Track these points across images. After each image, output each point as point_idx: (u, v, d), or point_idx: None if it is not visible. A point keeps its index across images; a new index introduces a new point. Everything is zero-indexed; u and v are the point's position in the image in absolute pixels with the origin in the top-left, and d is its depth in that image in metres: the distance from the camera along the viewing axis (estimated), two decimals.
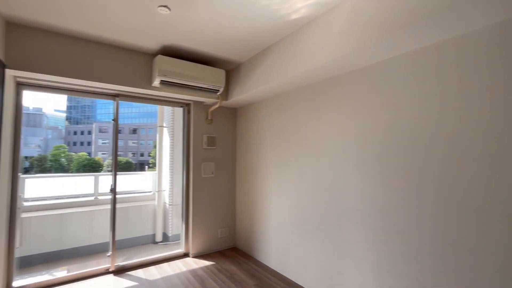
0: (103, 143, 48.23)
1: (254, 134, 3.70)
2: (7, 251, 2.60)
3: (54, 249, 3.95)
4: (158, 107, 5.47)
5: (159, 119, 4.89)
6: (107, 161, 42.52)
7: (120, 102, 3.20)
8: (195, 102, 3.69)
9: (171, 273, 3.12)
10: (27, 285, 2.70)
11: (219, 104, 3.53)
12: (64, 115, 61.28)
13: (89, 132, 50.57)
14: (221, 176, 3.92)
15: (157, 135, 4.96)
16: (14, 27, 2.35)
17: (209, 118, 3.78)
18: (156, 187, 4.95)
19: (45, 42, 2.48)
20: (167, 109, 4.94)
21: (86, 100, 58.77)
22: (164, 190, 4.89)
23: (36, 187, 4.29)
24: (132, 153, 49.41)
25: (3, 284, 2.54)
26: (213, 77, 3.12)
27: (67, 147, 46.08)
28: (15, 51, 2.35)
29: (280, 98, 3.19)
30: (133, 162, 45.81)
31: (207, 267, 3.29)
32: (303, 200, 2.82)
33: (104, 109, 58.97)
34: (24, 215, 3.83)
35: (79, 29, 2.48)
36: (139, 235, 4.69)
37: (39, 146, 46.69)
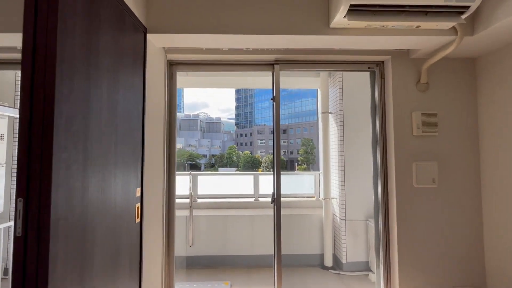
0: (260, 143, 55.55)
1: None
2: (167, 252, 2.14)
3: (218, 253, 3.61)
4: (318, 90, 4.31)
5: (322, 103, 3.68)
6: (264, 158, 48.43)
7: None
8: (396, 55, 2.11)
9: None
10: None
11: (455, 45, 1.76)
12: (233, 121, 76.33)
13: (250, 134, 59.90)
14: (452, 186, 2.10)
15: (320, 125, 3.75)
16: None
17: (423, 81, 2.08)
18: (322, 193, 3.76)
19: None
20: (333, 91, 3.64)
21: (247, 107, 70.19)
22: (333, 198, 3.62)
23: (204, 185, 4.31)
24: (283, 151, 53.63)
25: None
26: None
27: (236, 147, 56.72)
28: (155, 13, 1.77)
29: None
30: (285, 159, 49.58)
31: None
32: None
33: (261, 113, 67.92)
34: (195, 212, 3.73)
35: None
36: (303, 253, 3.67)
37: (219, 146, 60.09)
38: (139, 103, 1.55)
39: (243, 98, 71.24)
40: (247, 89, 70.12)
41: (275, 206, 2.10)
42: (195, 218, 3.64)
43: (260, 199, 4.17)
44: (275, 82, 2.15)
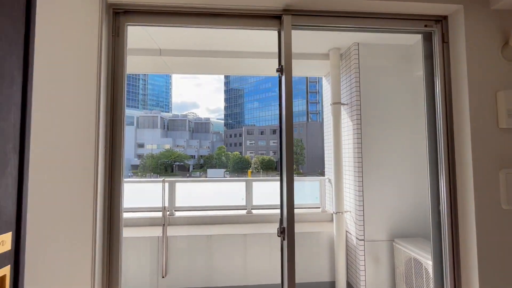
0: (250, 143, 54.67)
1: None
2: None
3: (201, 285, 2.78)
4: (323, 79, 3.57)
5: (333, 92, 2.93)
6: (254, 159, 47.56)
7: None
8: (470, 4, 1.36)
9: None
10: None
11: None
12: (223, 121, 75.10)
13: (240, 135, 58.88)
14: None
15: (332, 119, 3.01)
16: None
17: (507, 51, 1.35)
18: (333, 205, 3.02)
19: None
20: (347, 77, 2.90)
21: (237, 107, 69.25)
22: (347, 212, 2.87)
23: (185, 193, 3.48)
24: (273, 152, 53.00)
25: None
26: None
27: (225, 148, 55.60)
28: None
29: None
30: (274, 160, 48.96)
31: None
32: None
33: (250, 114, 67.13)
34: (171, 231, 2.89)
35: None
36: (308, 281, 2.90)
37: (208, 147, 58.86)
38: (13, 68, 0.72)
39: (233, 98, 70.15)
40: (236, 88, 69.04)
41: (286, 240, 1.30)
42: (171, 239, 2.80)
43: (254, 212, 3.37)
44: (285, 42, 1.36)
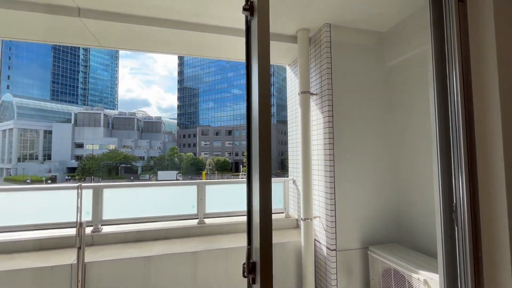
0: (205, 144, 52.89)
1: None
2: None
3: None
4: (287, 68, 3.19)
5: (301, 80, 2.53)
6: (209, 160, 46.07)
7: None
8: None
9: None
10: None
11: None
12: (176, 121, 71.43)
13: (194, 135, 56.48)
14: None
15: (300, 111, 2.62)
16: None
17: None
18: (302, 210, 2.62)
19: None
20: (317, 64, 2.54)
21: (191, 106, 66.72)
22: (317, 217, 2.49)
23: (117, 201, 2.71)
24: (228, 153, 52.25)
25: None
26: None
27: (178, 149, 52.72)
28: None
29: None
30: (230, 161, 48.22)
31: None
32: None
33: (206, 114, 65.27)
34: (92, 255, 2.14)
35: None
36: None
37: (159, 148, 55.26)
38: None
39: (187, 97, 67.17)
40: (190, 87, 66.20)
41: (259, 286, 0.79)
42: (91, 266, 2.06)
43: (208, 221, 2.79)
44: None
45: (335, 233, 2.28)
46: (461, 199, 1.07)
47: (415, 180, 2.27)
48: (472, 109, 1.08)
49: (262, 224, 0.80)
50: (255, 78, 0.89)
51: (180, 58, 67.33)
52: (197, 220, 2.77)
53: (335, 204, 2.30)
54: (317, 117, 2.51)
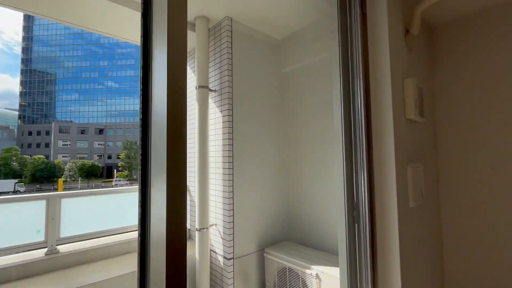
0: (64, 144, 42.05)
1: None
2: None
3: None
4: (195, 55, 2.82)
5: (199, 73, 2.27)
6: (69, 164, 36.96)
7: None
8: None
9: None
10: None
11: None
12: (17, 113, 53.20)
13: (47, 133, 43.91)
14: (430, 202, 1.44)
15: (196, 107, 2.34)
16: None
17: (414, 32, 1.30)
18: (197, 219, 2.34)
19: None
20: (217, 57, 2.35)
21: (43, 95, 51.80)
22: (213, 225, 2.27)
23: None
24: (98, 156, 43.92)
25: None
26: None
27: (19, 149, 39.50)
28: None
29: None
30: (100, 165, 40.61)
31: None
32: None
33: (64, 107, 52.33)
34: None
35: None
36: None
37: None
38: None
39: (37, 83, 51.34)
40: (42, 71, 51.10)
41: None
42: None
43: (63, 249, 2.01)
44: None
45: (233, 240, 2.14)
46: (362, 198, 1.13)
47: (303, 180, 2.46)
48: (370, 113, 1.17)
49: (171, 240, 0.52)
50: (160, 65, 0.61)
51: (28, 31, 50.93)
52: (45, 250, 1.94)
53: (233, 210, 2.15)
54: (215, 116, 2.31)
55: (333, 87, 1.24)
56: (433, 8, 1.44)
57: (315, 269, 1.83)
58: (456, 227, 1.57)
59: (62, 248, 2.01)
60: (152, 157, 0.65)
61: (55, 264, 1.93)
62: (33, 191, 31.23)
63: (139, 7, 0.88)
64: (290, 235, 2.54)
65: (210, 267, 2.25)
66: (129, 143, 40.95)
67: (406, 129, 1.21)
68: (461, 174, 1.54)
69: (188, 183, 2.75)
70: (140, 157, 0.70)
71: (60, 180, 31.98)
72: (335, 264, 1.82)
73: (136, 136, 43.85)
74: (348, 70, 1.21)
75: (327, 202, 2.22)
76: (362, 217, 1.14)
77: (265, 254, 2.27)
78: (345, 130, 1.18)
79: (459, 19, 1.58)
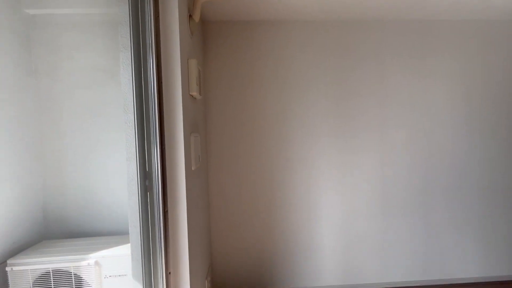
0: None
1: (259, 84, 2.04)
2: None
3: None
4: None
5: None
6: None
7: None
8: None
9: None
10: None
11: None
12: None
13: None
14: (203, 166, 1.76)
15: None
16: None
17: (196, 18, 1.49)
18: None
19: None
20: None
21: None
22: None
23: None
24: None
25: None
26: None
27: None
28: None
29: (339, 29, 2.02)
30: None
31: None
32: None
33: None
34: None
35: None
36: None
37: None
38: None
39: None
40: None
41: None
42: None
43: None
44: None
45: None
46: (156, 167, 1.18)
47: (68, 165, 1.99)
48: (161, 87, 1.21)
49: None
50: None
51: None
52: None
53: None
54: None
55: (120, 51, 1.13)
56: (207, 5, 1.72)
57: (93, 257, 1.62)
58: (218, 185, 2.09)
59: None
60: None
61: None
62: None
63: None
64: (51, 231, 2.00)
65: None
66: None
67: (190, 103, 1.39)
68: (223, 144, 2.06)
69: None
70: None
71: None
72: (119, 243, 1.72)
73: None
74: (139, 36, 1.15)
75: (106, 182, 1.98)
76: (155, 185, 1.19)
77: (8, 269, 1.61)
78: (137, 102, 1.14)
79: (225, 22, 2.03)
